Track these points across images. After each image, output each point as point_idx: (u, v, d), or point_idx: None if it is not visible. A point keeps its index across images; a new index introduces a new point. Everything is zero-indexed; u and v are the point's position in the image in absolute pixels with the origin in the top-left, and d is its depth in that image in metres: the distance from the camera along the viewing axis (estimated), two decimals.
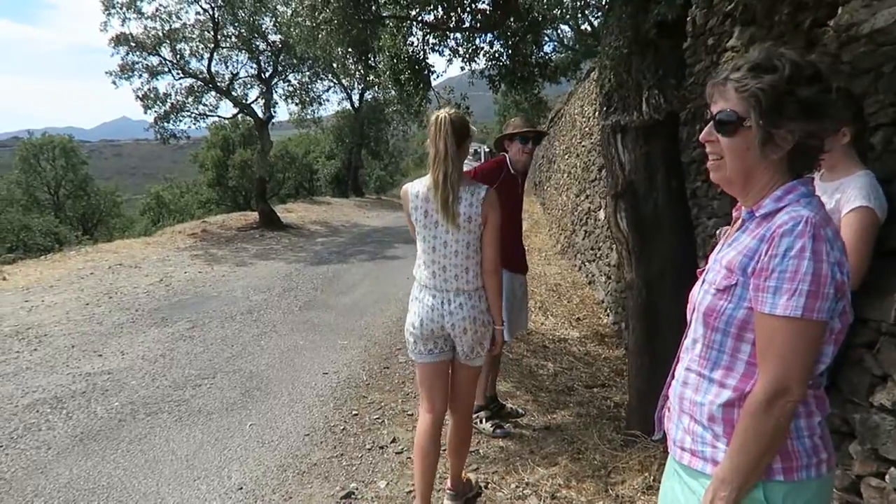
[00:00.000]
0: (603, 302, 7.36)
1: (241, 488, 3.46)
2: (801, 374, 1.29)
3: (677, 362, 1.58)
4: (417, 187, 2.88)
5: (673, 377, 1.59)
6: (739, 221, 1.47)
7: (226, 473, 3.63)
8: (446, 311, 2.85)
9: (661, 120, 3.28)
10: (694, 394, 1.47)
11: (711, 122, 1.41)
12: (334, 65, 13.45)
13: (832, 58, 2.93)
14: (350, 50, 6.17)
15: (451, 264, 2.82)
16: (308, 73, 17.04)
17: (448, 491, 3.21)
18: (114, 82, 14.58)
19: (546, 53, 7.32)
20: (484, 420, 4.12)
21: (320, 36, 6.00)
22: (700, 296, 1.48)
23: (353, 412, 4.46)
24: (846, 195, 2.31)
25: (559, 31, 18.70)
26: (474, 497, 3.29)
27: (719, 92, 1.39)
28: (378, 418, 4.35)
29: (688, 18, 4.73)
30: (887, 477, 2.08)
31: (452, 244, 2.81)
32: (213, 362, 5.54)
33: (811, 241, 1.26)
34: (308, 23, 6.13)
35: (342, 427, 4.22)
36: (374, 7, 6.06)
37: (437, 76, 6.81)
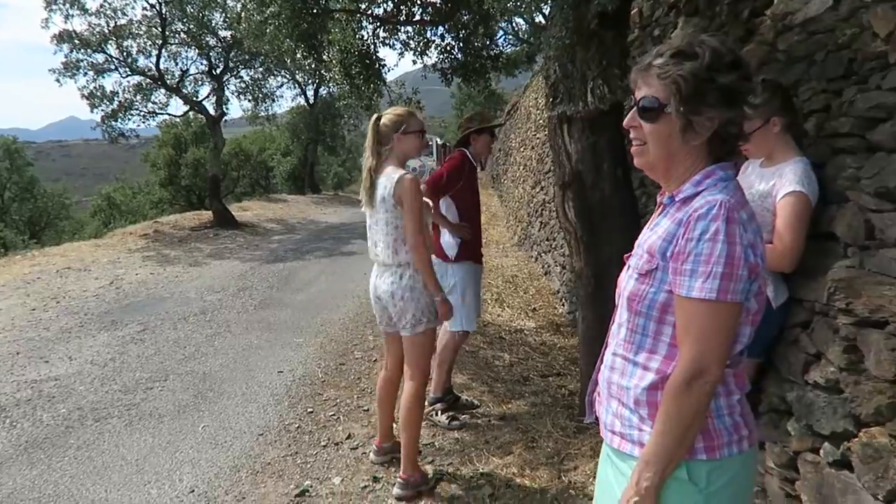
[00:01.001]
0: (558, 292, 7.43)
1: (193, 491, 3.40)
2: (718, 355, 1.31)
3: (606, 347, 1.60)
4: None
5: (602, 362, 1.61)
6: (661, 206, 1.49)
7: (177, 476, 3.56)
8: (377, 285, 3.32)
9: (606, 110, 3.32)
10: (620, 378, 1.49)
11: (634, 108, 1.42)
12: (287, 60, 13.32)
13: (769, 47, 3.00)
14: (300, 44, 6.08)
15: (378, 240, 3.26)
16: (261, 69, 16.76)
17: (399, 479, 3.27)
18: (57, 80, 14.13)
19: (498, 46, 7.33)
20: (439, 413, 4.14)
21: (269, 30, 5.89)
22: (625, 281, 1.50)
23: (309, 410, 4.42)
24: (781, 181, 2.38)
25: (513, 24, 18.79)
26: (431, 490, 3.30)
27: (643, 78, 1.39)
28: (333, 415, 4.32)
29: (633, 10, 4.81)
30: (821, 451, 2.14)
31: (377, 224, 3.25)
32: (164, 364, 5.42)
33: (724, 224, 1.28)
34: (256, 17, 6.02)
35: (297, 425, 4.18)
36: (323, 0, 5.99)
37: (389, 70, 6.79)
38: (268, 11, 5.70)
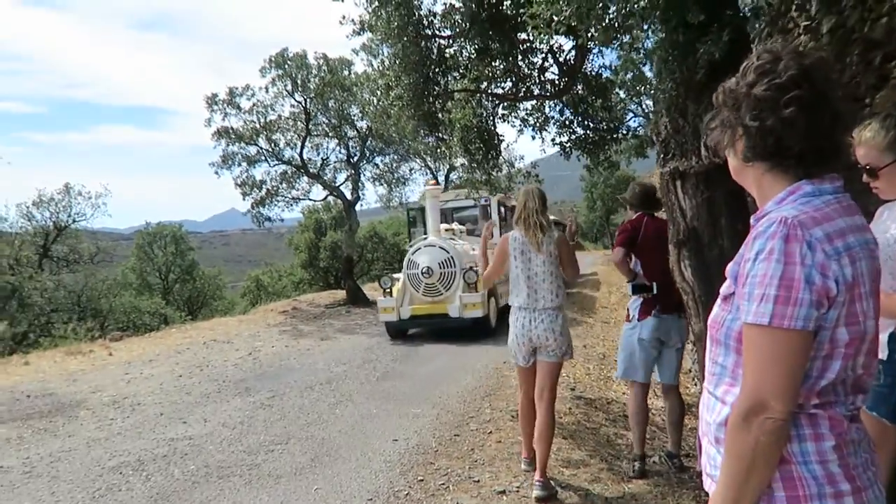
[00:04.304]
0: (690, 371, 6.94)
1: None
2: (777, 388, 1.13)
3: None
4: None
5: None
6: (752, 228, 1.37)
7: None
8: (533, 327, 3.90)
9: (721, 164, 3.16)
10: (707, 413, 1.35)
11: None
12: (417, 143, 14.07)
13: None
14: (422, 123, 6.41)
15: (539, 287, 3.91)
16: (394, 156, 17.78)
17: (537, 482, 3.79)
18: (216, 172, 15.82)
19: (618, 117, 7.33)
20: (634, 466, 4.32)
21: (393, 111, 6.28)
22: (714, 309, 1.38)
23: (419, 478, 4.34)
24: (893, 213, 2.14)
25: (643, 106, 18.67)
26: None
27: None
28: (443, 484, 4.21)
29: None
30: None
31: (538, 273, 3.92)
32: (287, 429, 5.60)
33: (781, 243, 1.14)
34: (383, 101, 6.46)
35: (406, 492, 4.11)
36: (443, 82, 6.31)
37: (508, 146, 6.95)
38: (392, 94, 6.09)
